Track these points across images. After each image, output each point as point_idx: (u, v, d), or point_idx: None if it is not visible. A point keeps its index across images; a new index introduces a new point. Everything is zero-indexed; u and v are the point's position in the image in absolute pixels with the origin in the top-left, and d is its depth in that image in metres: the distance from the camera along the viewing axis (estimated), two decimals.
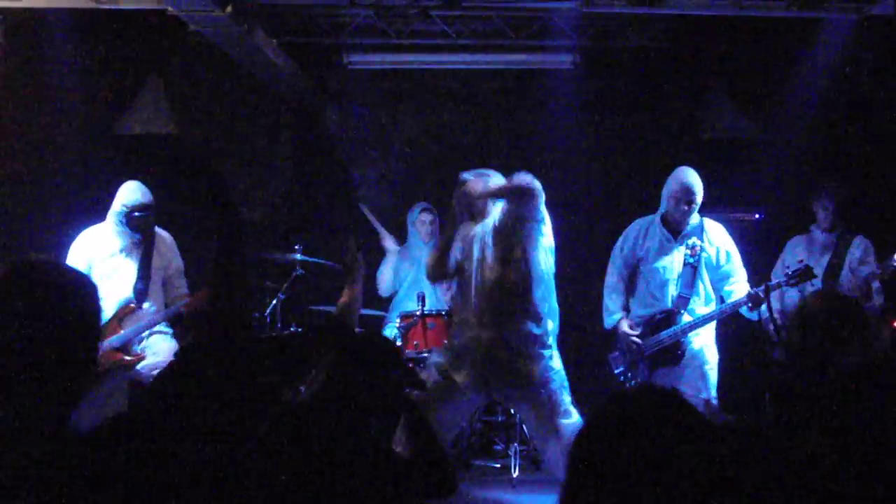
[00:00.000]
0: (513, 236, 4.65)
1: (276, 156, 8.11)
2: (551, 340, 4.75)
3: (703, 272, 5.23)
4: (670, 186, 5.23)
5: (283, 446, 2.85)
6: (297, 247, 6.34)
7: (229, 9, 5.80)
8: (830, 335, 3.11)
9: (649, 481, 1.52)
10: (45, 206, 7.10)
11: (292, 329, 6.16)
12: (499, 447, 6.51)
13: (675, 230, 5.26)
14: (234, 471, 2.55)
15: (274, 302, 6.28)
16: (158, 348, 5.36)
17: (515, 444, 6.01)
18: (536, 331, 4.67)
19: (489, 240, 4.69)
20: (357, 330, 4.54)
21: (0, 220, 6.89)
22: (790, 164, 7.18)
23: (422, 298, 5.98)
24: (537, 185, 4.67)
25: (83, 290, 2.18)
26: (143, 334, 5.38)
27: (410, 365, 5.51)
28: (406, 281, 6.68)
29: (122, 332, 5.30)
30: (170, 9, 5.87)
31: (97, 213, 5.57)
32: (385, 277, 6.72)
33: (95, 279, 5.31)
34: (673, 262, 5.24)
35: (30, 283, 2.13)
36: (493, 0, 6.88)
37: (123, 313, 5.34)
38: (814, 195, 5.84)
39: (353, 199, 7.93)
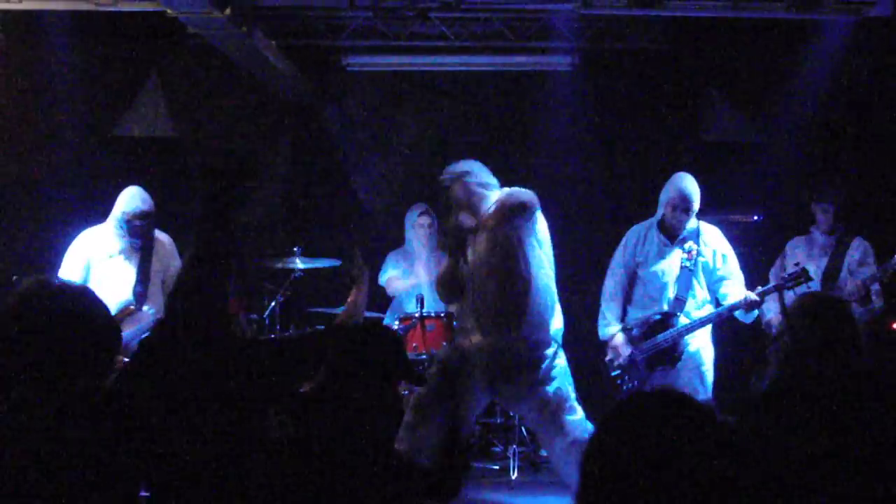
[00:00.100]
0: (508, 246, 4.65)
1: (275, 158, 8.10)
2: (556, 339, 4.78)
3: (700, 275, 5.26)
4: (668, 193, 5.25)
5: (284, 444, 2.86)
6: (296, 249, 6.34)
7: (228, 11, 5.80)
8: (813, 336, 3.13)
9: (663, 485, 1.51)
10: (45, 207, 7.10)
11: (291, 331, 6.16)
12: (497, 449, 6.52)
13: (672, 234, 5.29)
14: (235, 473, 2.55)
15: (273, 304, 6.28)
16: None
17: (514, 446, 6.02)
18: (539, 335, 4.69)
19: (483, 248, 4.69)
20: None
21: (0, 221, 6.90)
22: (789, 166, 7.18)
23: (420, 300, 5.98)
24: (533, 201, 4.67)
25: (98, 315, 2.27)
26: (143, 336, 5.37)
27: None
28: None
29: (121, 334, 5.29)
30: (169, 11, 5.87)
31: (96, 214, 5.57)
32: (396, 285, 6.69)
33: (94, 280, 5.36)
34: (670, 266, 5.27)
35: (44, 312, 2.19)
36: (491, 2, 6.89)
37: (122, 315, 5.33)
38: (813, 198, 5.85)
39: (353, 205, 7.95)
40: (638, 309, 5.36)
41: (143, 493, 2.57)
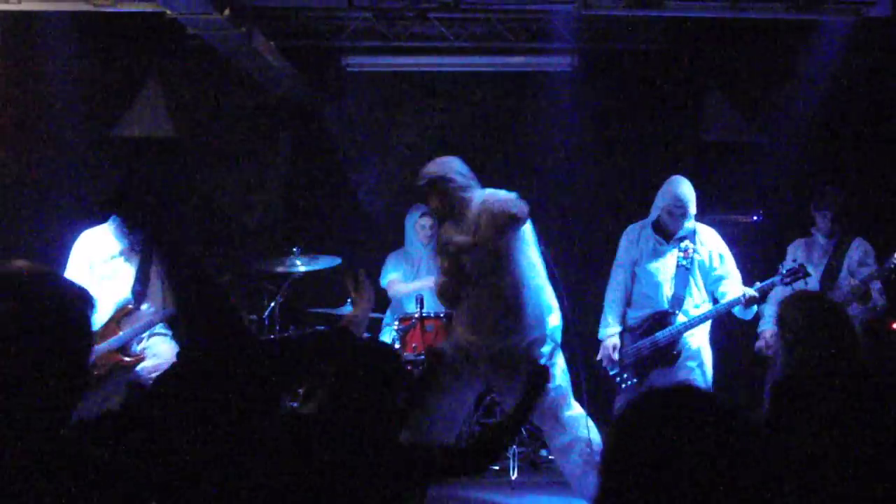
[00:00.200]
0: (499, 256, 4.65)
1: (274, 158, 8.11)
2: (554, 337, 4.79)
3: (697, 274, 5.29)
4: (664, 199, 5.29)
5: (290, 455, 2.86)
6: (295, 249, 6.34)
7: (227, 11, 5.80)
8: (798, 334, 3.15)
9: (684, 482, 1.50)
10: (45, 208, 7.10)
11: (291, 331, 6.16)
12: None
13: (668, 235, 5.31)
14: (235, 473, 2.55)
15: (272, 305, 6.28)
16: (158, 350, 5.35)
17: (514, 446, 6.01)
18: (534, 335, 4.71)
19: (475, 258, 4.70)
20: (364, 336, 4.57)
21: (0, 221, 6.90)
22: (788, 167, 7.19)
23: (420, 301, 5.98)
24: (524, 212, 4.64)
25: (72, 298, 2.16)
26: (143, 335, 5.38)
27: (409, 367, 5.53)
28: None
29: (120, 333, 5.30)
30: (168, 11, 5.87)
31: (96, 214, 5.57)
32: (399, 288, 6.69)
33: (95, 280, 5.35)
34: (666, 265, 5.29)
35: (15, 293, 2.10)
36: (491, 2, 6.88)
37: (121, 314, 5.33)
38: (813, 200, 5.85)
39: (353, 205, 7.95)
40: (636, 307, 5.39)
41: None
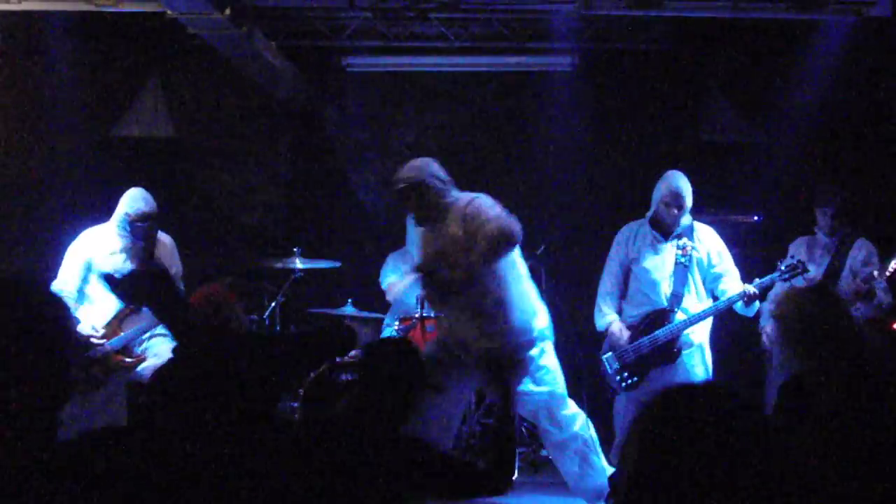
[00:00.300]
0: (485, 272, 4.64)
1: (275, 158, 8.11)
2: (544, 335, 4.79)
3: (695, 271, 5.29)
4: (660, 191, 5.30)
5: (300, 453, 2.88)
6: (296, 250, 6.34)
7: (228, 11, 5.80)
8: (795, 329, 3.12)
9: (710, 480, 1.50)
10: (45, 208, 7.10)
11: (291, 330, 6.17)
12: None
13: (666, 232, 5.31)
14: (235, 470, 2.55)
15: (273, 305, 6.28)
16: (159, 350, 5.34)
17: (515, 449, 6.01)
18: (521, 339, 4.71)
19: (455, 260, 4.69)
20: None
21: (0, 221, 6.90)
22: (789, 167, 7.19)
23: (421, 301, 5.97)
24: (518, 235, 4.60)
25: (43, 307, 2.15)
26: (144, 336, 5.37)
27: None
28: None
29: (122, 333, 5.30)
30: (169, 11, 5.87)
31: (96, 214, 5.57)
32: (398, 288, 6.69)
33: (96, 280, 5.35)
34: (664, 262, 5.30)
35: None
36: (491, 2, 6.88)
37: (123, 315, 5.33)
38: (815, 199, 5.85)
39: (353, 205, 7.95)
40: (634, 306, 5.38)
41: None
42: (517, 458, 5.95)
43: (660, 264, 5.30)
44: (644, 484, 1.54)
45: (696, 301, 5.28)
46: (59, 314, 2.15)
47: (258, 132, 8.04)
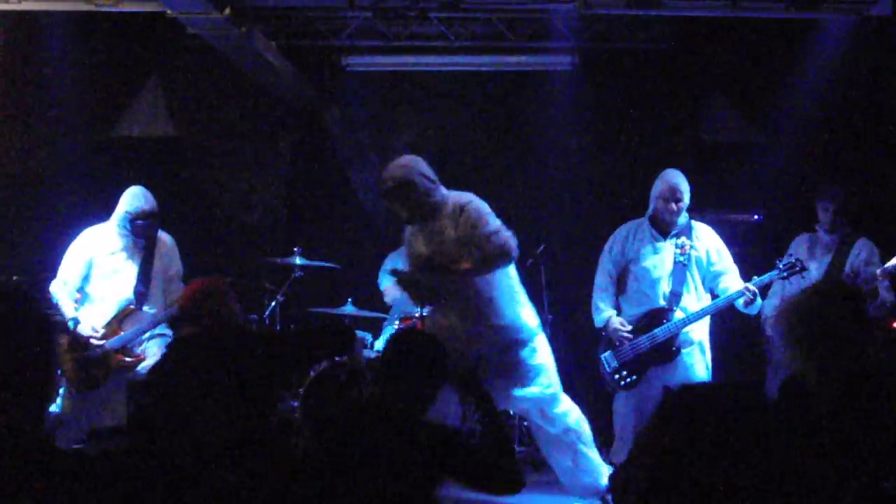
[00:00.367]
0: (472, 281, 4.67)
1: (275, 158, 8.10)
2: (534, 332, 4.81)
3: (694, 270, 5.30)
4: (658, 187, 5.32)
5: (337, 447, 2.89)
6: (296, 249, 6.34)
7: (228, 11, 5.80)
8: (798, 330, 3.01)
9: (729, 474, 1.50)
10: (45, 207, 7.10)
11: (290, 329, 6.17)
12: None
13: (664, 230, 5.32)
14: (233, 467, 2.55)
15: (273, 304, 6.28)
16: (159, 350, 5.35)
17: (514, 446, 6.01)
18: (514, 336, 4.73)
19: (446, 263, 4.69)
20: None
21: (0, 221, 6.90)
22: (789, 166, 7.18)
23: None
24: (514, 249, 4.64)
25: (27, 317, 2.17)
26: (144, 336, 5.37)
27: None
28: None
29: (122, 333, 5.30)
30: (168, 11, 5.87)
31: (96, 214, 5.58)
32: (395, 294, 6.69)
33: (95, 279, 5.35)
34: (663, 261, 5.30)
35: None
36: (491, 2, 6.88)
37: (123, 315, 5.34)
38: (817, 195, 5.85)
39: (353, 205, 7.95)
40: (633, 305, 5.38)
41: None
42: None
43: (659, 263, 5.31)
44: (662, 483, 1.53)
45: (694, 300, 5.28)
46: (43, 324, 2.17)
47: (258, 132, 8.04)
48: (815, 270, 5.57)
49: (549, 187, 7.78)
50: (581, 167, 7.79)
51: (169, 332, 5.50)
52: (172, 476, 2.39)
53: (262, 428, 2.94)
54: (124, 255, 5.42)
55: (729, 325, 5.80)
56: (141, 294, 5.40)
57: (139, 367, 5.29)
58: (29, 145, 7.24)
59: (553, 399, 4.85)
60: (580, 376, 5.74)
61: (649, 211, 5.39)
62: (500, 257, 4.61)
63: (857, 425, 2.55)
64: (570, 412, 4.87)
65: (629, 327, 5.28)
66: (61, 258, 5.40)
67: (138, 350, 5.36)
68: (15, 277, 6.56)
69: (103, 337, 5.25)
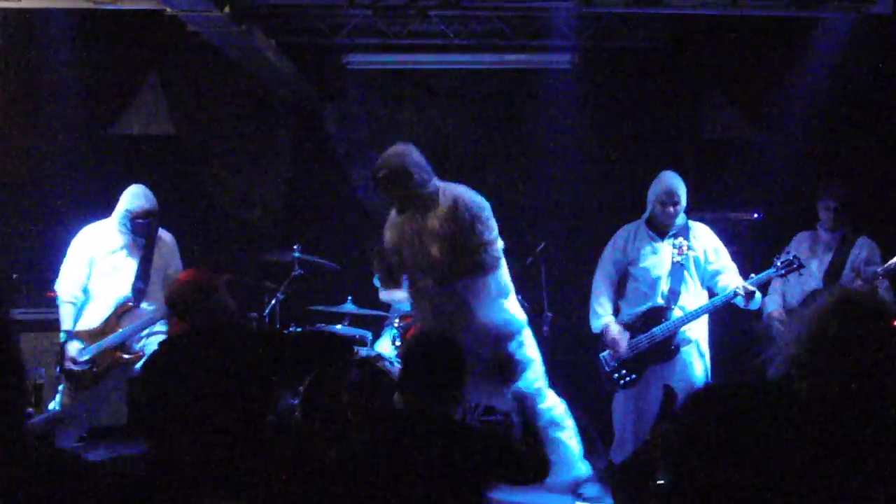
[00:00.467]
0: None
1: (274, 156, 8.10)
2: (521, 324, 4.87)
3: (692, 269, 5.32)
4: (655, 191, 5.35)
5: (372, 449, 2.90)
6: (295, 247, 6.34)
7: (227, 9, 5.80)
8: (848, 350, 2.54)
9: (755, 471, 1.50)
10: (44, 205, 7.10)
11: (291, 329, 6.16)
12: None
13: (662, 232, 5.35)
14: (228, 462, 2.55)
15: (273, 302, 6.28)
16: None
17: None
18: (504, 330, 4.78)
19: (438, 260, 4.69)
20: None
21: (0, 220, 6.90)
22: (789, 164, 7.18)
23: None
24: (497, 259, 4.71)
25: None
26: (142, 333, 5.37)
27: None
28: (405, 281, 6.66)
29: (120, 330, 5.30)
30: (168, 9, 5.87)
31: (96, 212, 5.58)
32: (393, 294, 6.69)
33: (95, 276, 5.35)
34: (661, 261, 5.33)
35: None
36: (491, 0, 6.88)
37: (121, 311, 5.33)
38: (817, 193, 5.85)
39: (353, 204, 7.94)
40: (632, 305, 5.40)
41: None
42: None
43: (657, 263, 5.33)
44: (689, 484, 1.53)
45: (693, 299, 5.30)
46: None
47: (258, 129, 8.03)
48: (816, 269, 5.58)
49: (548, 185, 7.77)
50: (581, 165, 7.79)
51: (167, 328, 5.51)
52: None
53: (259, 428, 2.95)
54: (124, 253, 5.42)
55: (729, 324, 5.80)
56: (140, 291, 5.40)
57: (137, 365, 5.29)
58: (28, 143, 7.23)
59: (539, 393, 4.86)
60: (580, 376, 5.74)
61: (646, 213, 5.41)
62: (485, 269, 4.68)
63: (857, 425, 2.54)
64: (554, 407, 4.87)
65: (627, 335, 5.29)
66: (61, 257, 5.40)
67: (137, 347, 5.36)
68: (15, 276, 6.57)
69: (102, 333, 5.26)
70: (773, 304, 5.63)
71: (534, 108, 7.86)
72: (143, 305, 5.40)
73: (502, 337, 4.76)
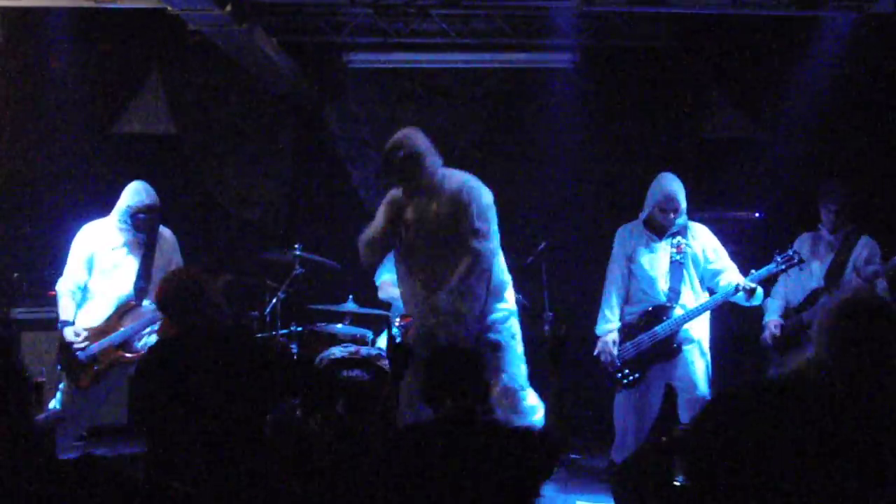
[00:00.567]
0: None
1: (275, 155, 8.09)
2: (513, 311, 4.90)
3: (691, 267, 5.33)
4: (654, 195, 5.35)
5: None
6: (296, 246, 6.34)
7: (229, 7, 5.79)
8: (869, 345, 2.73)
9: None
10: (45, 204, 7.10)
11: (291, 329, 6.16)
12: None
13: (660, 232, 5.37)
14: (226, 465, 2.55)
15: (274, 301, 6.28)
16: None
17: None
18: (496, 316, 4.81)
19: (437, 250, 4.70)
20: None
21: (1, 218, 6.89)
22: (790, 163, 7.17)
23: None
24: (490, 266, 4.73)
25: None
26: (144, 332, 5.37)
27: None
28: None
29: (122, 329, 5.30)
30: (169, 8, 5.86)
31: (96, 210, 5.58)
32: (390, 291, 6.68)
33: (96, 274, 5.35)
34: (660, 260, 5.35)
35: None
36: None
37: (123, 310, 5.34)
38: (819, 195, 5.85)
39: (353, 203, 7.93)
40: (633, 304, 5.42)
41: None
42: None
43: (656, 262, 5.35)
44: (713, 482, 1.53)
45: (693, 297, 5.32)
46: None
47: (259, 128, 8.02)
48: (817, 269, 5.57)
49: (549, 184, 7.76)
50: (582, 164, 7.78)
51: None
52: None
53: (258, 428, 2.94)
54: (125, 250, 5.42)
55: (730, 325, 5.80)
56: (141, 289, 5.40)
57: None
58: (29, 142, 7.23)
59: (521, 390, 4.87)
60: (580, 375, 5.74)
61: (644, 215, 5.41)
62: (479, 259, 4.70)
63: (857, 425, 2.54)
64: (536, 407, 4.86)
65: (616, 352, 5.33)
66: (62, 255, 5.40)
67: (139, 345, 5.36)
68: (16, 275, 6.57)
69: (103, 332, 5.26)
70: (772, 311, 5.60)
71: (535, 107, 7.85)
72: (145, 304, 5.40)
73: (496, 322, 4.77)
